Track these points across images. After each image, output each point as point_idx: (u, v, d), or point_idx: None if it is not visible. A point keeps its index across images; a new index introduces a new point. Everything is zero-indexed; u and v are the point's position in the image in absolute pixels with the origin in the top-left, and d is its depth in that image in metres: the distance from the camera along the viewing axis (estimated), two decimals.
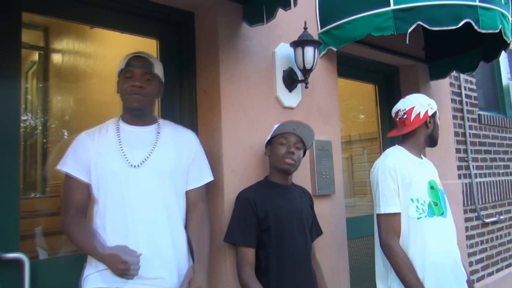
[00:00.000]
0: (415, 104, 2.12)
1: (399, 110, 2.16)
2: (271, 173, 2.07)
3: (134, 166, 1.65)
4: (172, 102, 2.27)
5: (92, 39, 3.14)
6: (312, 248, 2.13)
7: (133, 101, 1.68)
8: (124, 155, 1.65)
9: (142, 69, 1.70)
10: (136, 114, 1.73)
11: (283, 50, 2.40)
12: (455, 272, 2.00)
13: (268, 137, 2.07)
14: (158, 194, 1.67)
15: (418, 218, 1.98)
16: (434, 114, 2.14)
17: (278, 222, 1.93)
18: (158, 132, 1.76)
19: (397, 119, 2.19)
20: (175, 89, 2.28)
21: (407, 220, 1.99)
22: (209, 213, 1.87)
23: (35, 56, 3.17)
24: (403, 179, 2.02)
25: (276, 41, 2.41)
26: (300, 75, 2.44)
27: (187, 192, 1.81)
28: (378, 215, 2.03)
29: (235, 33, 2.22)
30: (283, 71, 2.40)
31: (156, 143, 1.73)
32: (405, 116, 2.12)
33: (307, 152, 2.47)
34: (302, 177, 2.41)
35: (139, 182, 1.64)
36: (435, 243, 1.97)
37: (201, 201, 1.85)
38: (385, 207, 2.00)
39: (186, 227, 1.79)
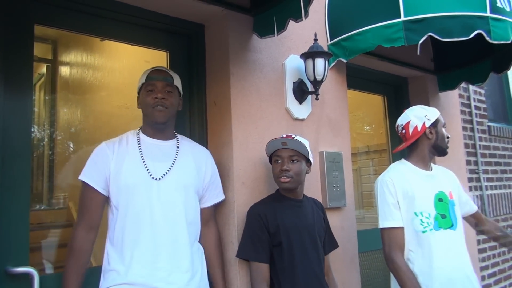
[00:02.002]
0: (411, 118, 2.14)
1: (398, 125, 2.20)
2: (279, 187, 2.04)
3: (156, 179, 1.66)
4: (182, 114, 2.25)
5: (100, 51, 3.15)
6: (326, 262, 2.09)
7: (157, 115, 1.71)
8: (146, 167, 1.67)
9: (163, 81, 1.74)
10: (159, 128, 1.76)
11: (293, 62, 2.40)
12: (465, 286, 1.95)
13: (267, 157, 2.06)
14: (180, 207, 1.70)
15: (423, 232, 1.96)
16: (434, 124, 2.11)
17: (289, 237, 1.90)
18: (178, 147, 1.79)
19: (399, 135, 2.22)
20: (185, 101, 2.27)
21: (412, 233, 1.98)
22: (219, 232, 1.98)
23: (43, 68, 3.19)
24: (405, 193, 2.01)
25: (286, 53, 2.41)
26: (310, 87, 2.43)
27: (201, 209, 1.86)
28: (380, 229, 2.04)
29: (245, 45, 2.22)
30: (293, 82, 2.39)
31: (176, 157, 1.75)
32: (404, 130, 2.16)
33: (318, 164, 2.46)
34: (313, 190, 2.38)
35: (161, 194, 1.66)
36: (442, 257, 1.94)
37: (213, 219, 1.95)
38: (383, 221, 2.03)
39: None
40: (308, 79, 2.34)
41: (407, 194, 2.01)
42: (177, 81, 1.82)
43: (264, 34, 2.18)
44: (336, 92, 2.69)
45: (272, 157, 1.99)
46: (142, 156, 1.69)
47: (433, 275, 1.91)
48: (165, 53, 2.27)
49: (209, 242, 1.88)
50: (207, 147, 2.22)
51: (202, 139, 2.22)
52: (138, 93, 1.80)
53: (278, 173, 1.93)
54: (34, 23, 1.83)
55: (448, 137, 2.14)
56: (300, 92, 2.40)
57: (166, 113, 1.73)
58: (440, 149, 2.12)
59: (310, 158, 2.00)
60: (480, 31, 2.27)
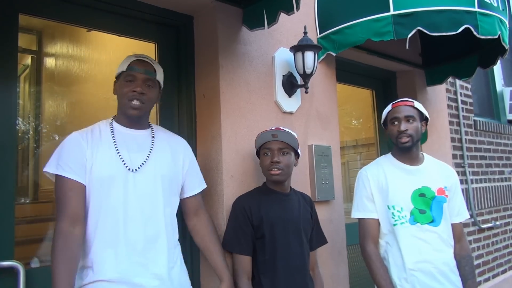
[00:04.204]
0: None
1: None
2: (267, 181, 2.04)
3: (132, 170, 1.58)
4: (170, 106, 2.24)
5: (87, 42, 3.10)
6: (313, 258, 2.09)
7: (132, 109, 1.62)
8: (121, 158, 1.58)
9: (145, 75, 1.65)
10: (133, 120, 1.68)
11: (283, 55, 2.39)
12: (439, 281, 1.96)
13: (255, 150, 2.04)
14: (158, 200, 1.62)
15: (394, 225, 2.01)
16: (385, 123, 2.15)
17: (272, 230, 1.90)
18: (153, 137, 1.72)
19: None
20: (173, 93, 2.25)
21: (387, 226, 2.03)
22: (211, 219, 1.92)
23: (28, 60, 3.12)
24: (380, 186, 2.06)
25: (275, 46, 2.39)
26: (299, 80, 2.42)
27: (186, 200, 1.82)
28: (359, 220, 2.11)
29: (234, 37, 2.20)
30: (283, 75, 2.38)
31: (152, 147, 1.68)
32: None
33: (307, 157, 2.46)
34: (301, 183, 2.39)
35: (138, 187, 1.58)
36: (414, 251, 1.96)
37: (203, 207, 1.89)
38: (353, 212, 2.13)
39: (191, 235, 1.86)
40: (298, 72, 2.33)
41: (381, 187, 2.06)
42: (160, 75, 1.73)
43: (254, 26, 2.17)
44: (326, 85, 2.69)
45: (261, 149, 1.98)
46: (116, 147, 1.59)
47: (405, 267, 1.95)
48: (153, 44, 2.24)
49: (203, 231, 1.83)
50: (195, 140, 2.22)
51: (190, 132, 2.21)
52: (117, 78, 1.69)
53: (268, 165, 1.92)
54: (19, 13, 1.79)
55: (399, 132, 2.02)
56: (290, 85, 2.40)
57: (141, 109, 1.64)
58: (396, 146, 2.09)
59: (298, 151, 2.00)
60: (468, 25, 2.30)
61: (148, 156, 1.64)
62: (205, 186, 1.90)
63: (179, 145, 1.81)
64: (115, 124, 1.67)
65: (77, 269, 1.49)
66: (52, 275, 1.42)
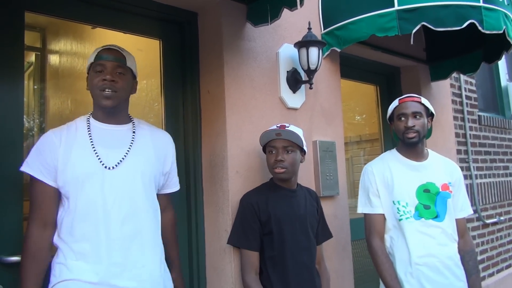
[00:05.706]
0: None
1: None
2: (273, 178, 2.04)
3: (109, 168, 1.51)
4: (175, 103, 2.25)
5: (91, 39, 3.10)
6: (319, 252, 2.10)
7: (105, 98, 1.53)
8: (97, 155, 1.51)
9: (114, 62, 1.56)
10: (108, 112, 1.59)
11: (287, 51, 2.39)
12: (444, 275, 1.97)
13: (260, 146, 2.05)
14: (136, 197, 1.55)
15: (400, 220, 2.02)
16: (391, 118, 2.15)
17: (280, 226, 1.91)
18: (134, 132, 1.63)
19: None
20: (178, 90, 2.26)
21: (392, 221, 2.05)
22: (175, 217, 1.87)
23: (32, 57, 3.13)
24: (385, 182, 2.07)
25: (280, 42, 2.40)
26: (304, 76, 2.43)
27: (158, 196, 1.71)
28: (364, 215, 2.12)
29: (239, 33, 2.20)
30: (287, 71, 2.38)
31: (132, 143, 1.60)
32: None
33: (311, 153, 2.47)
34: (306, 179, 2.39)
35: (114, 185, 1.51)
36: (419, 245, 1.97)
37: (171, 205, 1.82)
38: (360, 207, 2.14)
39: None
40: (302, 68, 2.34)
41: (387, 182, 2.07)
42: (131, 62, 1.63)
43: (258, 22, 2.17)
44: (330, 81, 2.69)
45: (267, 147, 1.99)
46: (92, 143, 1.52)
47: (411, 261, 1.96)
48: (158, 41, 2.25)
49: (165, 223, 1.73)
50: (200, 137, 2.22)
51: (195, 128, 2.22)
52: (88, 73, 1.61)
53: (272, 163, 1.94)
54: (25, 10, 1.80)
55: (406, 127, 2.02)
56: (294, 81, 2.40)
57: (114, 98, 1.54)
58: (402, 142, 2.09)
59: (304, 148, 2.01)
60: (472, 20, 2.29)
61: (127, 153, 1.56)
62: (178, 187, 1.85)
63: (164, 141, 1.74)
64: (92, 120, 1.59)
65: (45, 271, 1.48)
66: (20, 278, 1.45)
